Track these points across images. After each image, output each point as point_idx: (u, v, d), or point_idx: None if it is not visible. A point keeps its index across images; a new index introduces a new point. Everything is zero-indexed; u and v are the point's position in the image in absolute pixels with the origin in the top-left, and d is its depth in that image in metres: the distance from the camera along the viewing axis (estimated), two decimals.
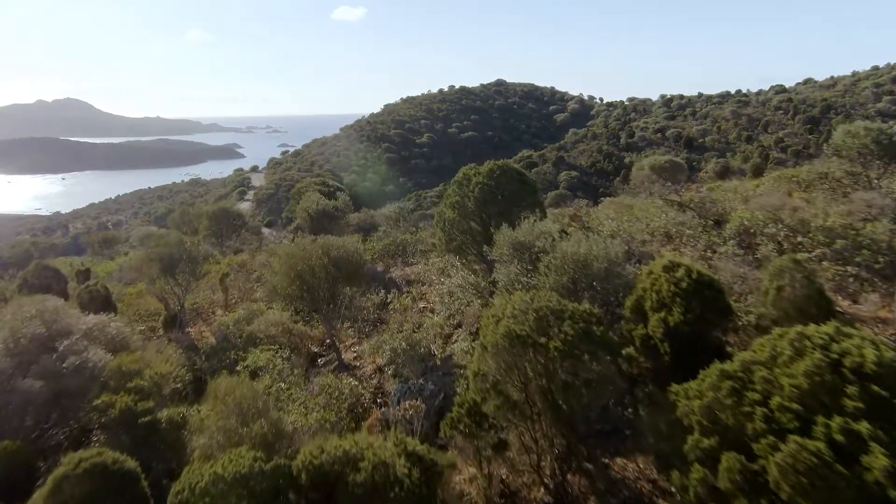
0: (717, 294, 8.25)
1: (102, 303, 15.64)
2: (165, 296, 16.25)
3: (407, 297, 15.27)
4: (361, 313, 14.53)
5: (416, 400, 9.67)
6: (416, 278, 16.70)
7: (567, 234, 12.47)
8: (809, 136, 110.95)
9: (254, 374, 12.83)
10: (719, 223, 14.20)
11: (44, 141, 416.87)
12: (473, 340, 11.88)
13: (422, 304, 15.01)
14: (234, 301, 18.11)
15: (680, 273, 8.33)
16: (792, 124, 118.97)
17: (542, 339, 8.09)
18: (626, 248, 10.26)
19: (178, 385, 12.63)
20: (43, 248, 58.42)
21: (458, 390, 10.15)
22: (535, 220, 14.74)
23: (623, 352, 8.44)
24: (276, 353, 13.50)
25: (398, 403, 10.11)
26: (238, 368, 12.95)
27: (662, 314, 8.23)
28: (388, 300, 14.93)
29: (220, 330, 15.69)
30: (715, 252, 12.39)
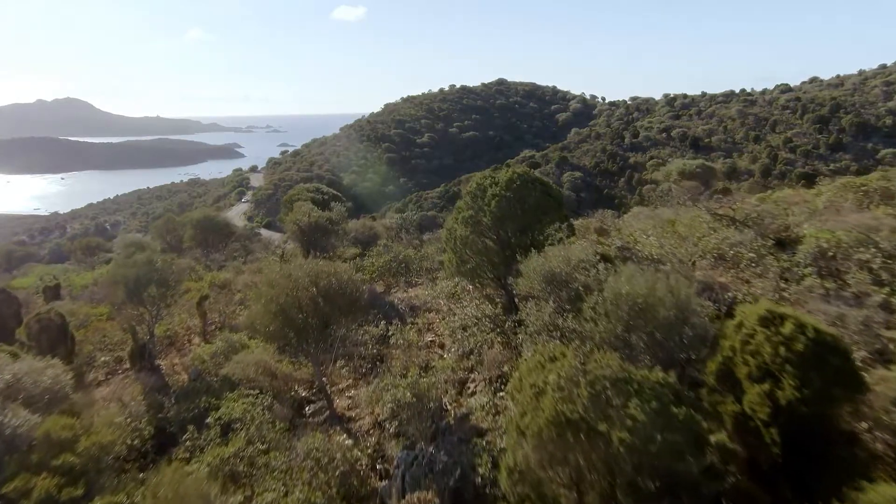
0: (845, 361, 6.00)
1: (56, 333, 13.42)
2: (133, 323, 14.04)
3: (411, 328, 13.02)
4: (357, 349, 12.31)
5: (427, 489, 7.43)
6: (421, 304, 14.44)
7: (608, 261, 10.24)
8: (819, 136, 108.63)
9: (227, 429, 10.62)
10: (782, 243, 11.93)
11: (43, 140, 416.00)
12: (495, 393, 9.65)
13: (429, 338, 12.76)
14: (213, 327, 15.88)
15: (788, 329, 6.08)
16: (801, 124, 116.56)
17: (602, 426, 5.86)
18: (698, 285, 8.02)
19: (136, 442, 10.41)
20: (20, 256, 55.34)
21: (480, 469, 7.90)
22: (563, 240, 12.51)
23: (712, 439, 6.20)
24: (256, 399, 11.28)
25: (403, 489, 7.86)
26: (209, 420, 10.71)
27: (766, 386, 5.98)
28: (390, 332, 12.68)
29: (194, 365, 13.46)
30: (787, 281, 10.13)
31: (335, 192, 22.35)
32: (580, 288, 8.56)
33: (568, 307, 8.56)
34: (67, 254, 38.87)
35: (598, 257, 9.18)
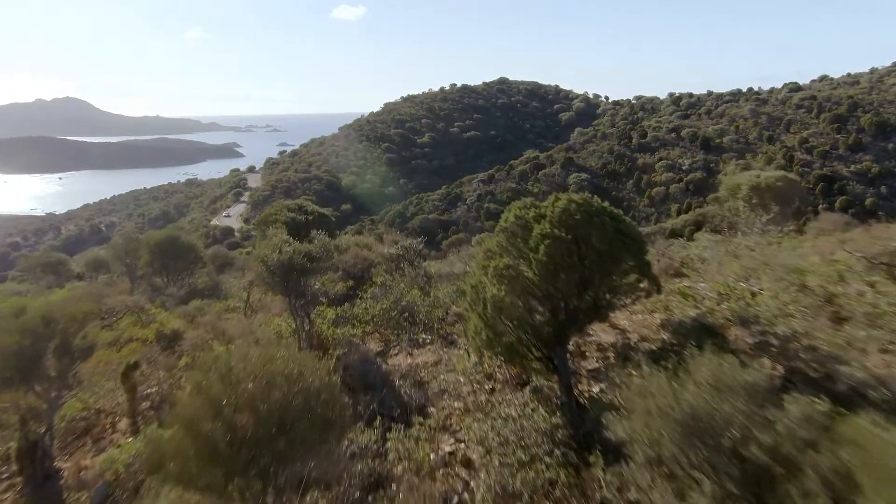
0: None
1: None
2: (22, 412, 9.86)
3: (421, 428, 8.77)
4: (337, 469, 8.11)
5: None
6: (433, 381, 10.17)
7: (713, 332, 6.01)
8: (837, 136, 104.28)
9: None
10: None
11: (42, 140, 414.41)
12: None
13: (447, 446, 8.51)
14: (147, 406, 11.65)
15: None
16: (817, 123, 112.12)
17: None
18: None
19: None
20: (14, 260, 50.69)
21: None
22: (643, 298, 8.32)
23: None
24: None
25: None
26: None
27: None
28: (387, 442, 8.46)
29: (103, 479, 9.28)
30: None
31: (321, 210, 18.13)
32: (763, 454, 4.31)
33: (737, 492, 4.31)
34: (26, 271, 33.89)
35: (774, 381, 4.93)
